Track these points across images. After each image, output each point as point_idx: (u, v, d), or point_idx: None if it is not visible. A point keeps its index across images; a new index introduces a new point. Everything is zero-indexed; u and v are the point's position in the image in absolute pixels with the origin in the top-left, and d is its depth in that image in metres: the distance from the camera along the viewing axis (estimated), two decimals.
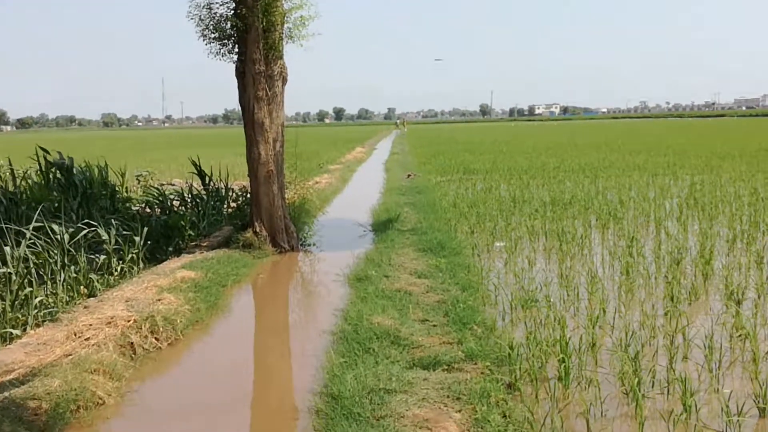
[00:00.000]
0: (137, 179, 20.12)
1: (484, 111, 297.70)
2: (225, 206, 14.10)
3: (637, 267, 8.99)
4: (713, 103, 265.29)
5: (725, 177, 20.28)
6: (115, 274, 9.05)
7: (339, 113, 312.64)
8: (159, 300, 7.02)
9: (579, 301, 7.62)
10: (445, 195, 17.09)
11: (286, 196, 12.08)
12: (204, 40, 10.37)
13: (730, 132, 57.16)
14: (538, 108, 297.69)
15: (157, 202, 12.93)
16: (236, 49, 10.37)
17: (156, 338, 6.35)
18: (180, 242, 11.65)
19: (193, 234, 12.02)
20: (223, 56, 10.48)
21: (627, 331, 6.38)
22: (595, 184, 18.89)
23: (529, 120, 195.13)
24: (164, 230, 11.40)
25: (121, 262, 9.29)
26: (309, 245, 11.79)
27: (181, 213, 12.25)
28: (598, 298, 7.49)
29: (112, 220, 10.32)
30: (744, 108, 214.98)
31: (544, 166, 25.02)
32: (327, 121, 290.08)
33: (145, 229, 9.97)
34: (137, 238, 9.64)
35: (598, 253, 10.31)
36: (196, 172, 14.95)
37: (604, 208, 14.00)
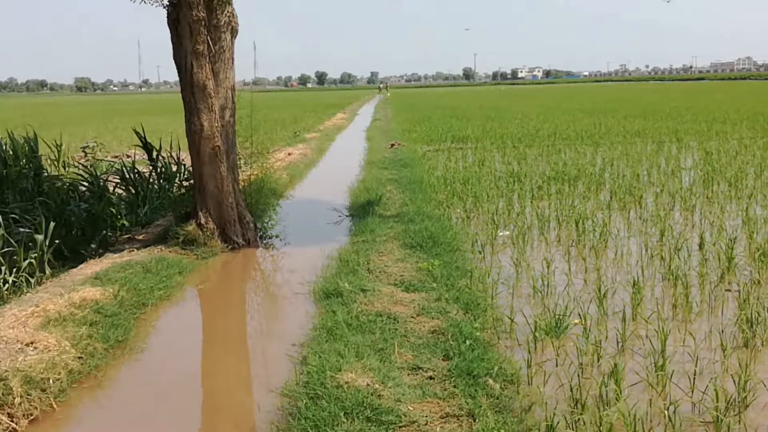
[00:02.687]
0: (83, 152, 17.72)
1: (468, 75, 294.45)
2: (175, 187, 11.86)
3: (685, 270, 6.93)
4: (690, 67, 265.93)
5: (733, 143, 18.36)
6: (4, 288, 6.83)
7: (321, 77, 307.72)
8: (30, 344, 4.81)
9: (624, 324, 5.53)
10: (434, 169, 14.93)
11: (240, 176, 9.88)
12: None
13: (717, 94, 55.48)
14: (521, 71, 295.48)
15: (87, 183, 10.65)
16: None
17: (9, 414, 4.18)
18: (111, 234, 9.46)
19: (127, 224, 9.82)
20: (152, 0, 8.18)
21: (713, 384, 4.33)
22: (598, 154, 16.83)
23: (513, 83, 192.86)
24: (89, 220, 9.19)
25: (15, 270, 7.08)
26: (270, 238, 9.56)
27: (113, 198, 10.00)
28: (652, 324, 5.44)
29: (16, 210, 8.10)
30: (720, 71, 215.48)
31: (538, 133, 22.93)
32: (309, 85, 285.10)
33: (52, 224, 7.73)
34: (39, 237, 7.42)
35: (628, 246, 8.24)
36: (141, 144, 12.66)
37: (618, 184, 11.95)
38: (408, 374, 4.75)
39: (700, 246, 7.99)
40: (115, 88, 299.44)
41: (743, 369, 4.44)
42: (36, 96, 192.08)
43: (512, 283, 6.97)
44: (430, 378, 4.68)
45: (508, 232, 9.21)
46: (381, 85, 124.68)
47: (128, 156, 17.55)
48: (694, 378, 4.56)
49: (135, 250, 8.44)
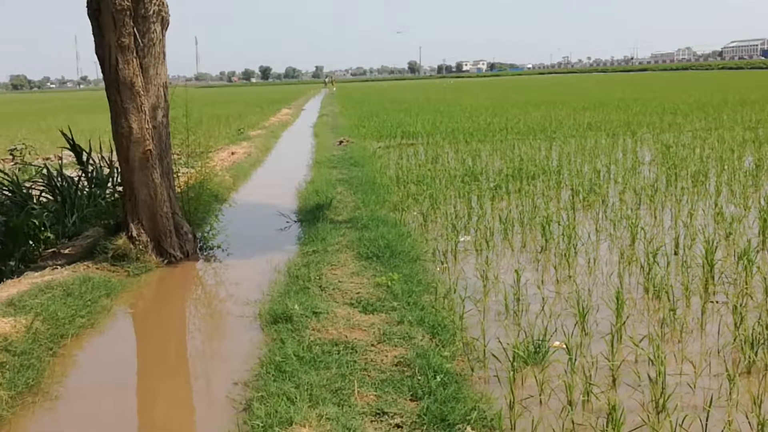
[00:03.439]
0: (11, 155, 16.49)
1: (413, 68, 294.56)
2: (108, 192, 10.88)
3: (665, 280, 6.39)
4: (632, 58, 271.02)
5: (688, 135, 18.16)
6: None
7: (265, 72, 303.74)
8: None
9: (611, 348, 4.93)
10: (386, 167, 14.24)
11: (178, 181, 9.02)
12: None
13: (662, 85, 56.23)
14: (466, 65, 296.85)
15: (8, 191, 9.63)
16: None
17: None
18: (35, 247, 8.49)
19: (52, 236, 8.84)
20: None
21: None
22: (553, 148, 16.36)
23: (458, 77, 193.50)
24: (7, 234, 8.22)
25: None
26: (211, 249, 8.71)
27: (36, 208, 9.01)
28: (642, 349, 4.85)
29: None
30: (660, 62, 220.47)
31: (489, 127, 22.43)
32: (253, 80, 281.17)
33: None
34: None
35: (599, 251, 7.70)
36: (68, 146, 11.61)
37: (579, 182, 11.44)
38: (371, 421, 4.03)
39: (675, 251, 7.48)
40: (53, 86, 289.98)
41: (756, 405, 3.86)
42: None
43: (480, 299, 6.32)
44: (398, 427, 3.98)
45: (469, 237, 8.59)
46: (327, 80, 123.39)
47: (60, 158, 16.39)
48: (706, 422, 3.94)
49: (58, 267, 7.53)
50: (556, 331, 5.33)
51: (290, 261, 7.66)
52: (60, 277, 6.99)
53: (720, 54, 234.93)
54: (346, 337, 5.24)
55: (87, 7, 7.14)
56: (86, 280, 6.78)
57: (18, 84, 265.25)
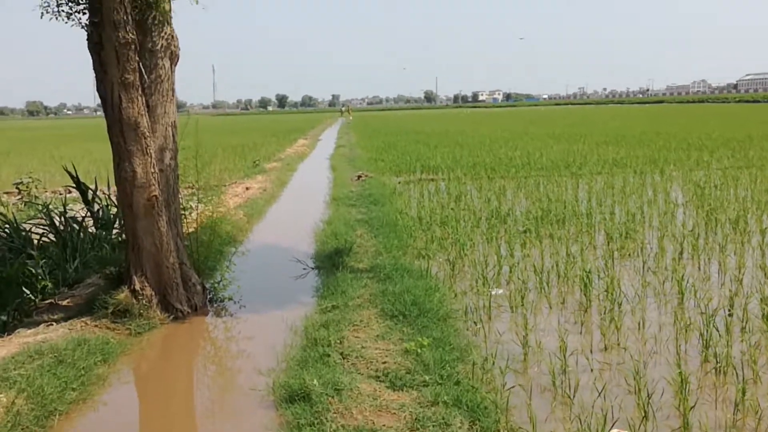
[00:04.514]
0: (17, 188, 15.95)
1: (429, 98, 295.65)
2: (114, 233, 10.27)
3: (728, 350, 5.64)
4: (647, 90, 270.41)
5: (717, 173, 17.38)
6: None
7: (282, 101, 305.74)
8: None
9: None
10: (407, 206, 13.57)
11: (188, 220, 8.39)
12: None
13: (681, 118, 55.27)
14: (482, 95, 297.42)
15: (5, 233, 9.04)
16: (86, 5, 6.52)
17: None
18: (32, 298, 7.84)
19: (50, 285, 8.19)
20: (67, 17, 6.66)
21: None
22: (580, 187, 15.64)
23: (474, 107, 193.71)
24: (1, 284, 7.61)
25: None
26: (222, 301, 8.02)
27: (34, 254, 8.37)
28: None
29: None
30: (676, 94, 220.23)
31: (511, 161, 21.72)
32: (269, 109, 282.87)
33: None
34: None
35: (648, 313, 6.95)
36: (73, 185, 11.06)
37: (614, 226, 10.71)
38: None
39: (730, 312, 6.73)
40: (69, 112, 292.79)
41: None
42: None
43: (521, 369, 5.60)
44: None
45: (501, 291, 7.87)
46: (343, 108, 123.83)
47: (65, 196, 15.88)
48: None
49: (54, 323, 6.88)
50: (614, 418, 4.59)
51: (308, 318, 6.97)
52: (54, 337, 6.33)
53: (735, 86, 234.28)
54: (374, 423, 4.53)
55: (87, 40, 6.54)
56: (81, 343, 6.10)
57: (34, 110, 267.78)
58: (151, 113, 6.93)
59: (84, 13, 6.63)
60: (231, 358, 6.60)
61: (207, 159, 9.36)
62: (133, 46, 6.48)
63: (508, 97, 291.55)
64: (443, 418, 4.59)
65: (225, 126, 69.98)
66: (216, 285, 8.15)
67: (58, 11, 6.63)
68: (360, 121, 76.06)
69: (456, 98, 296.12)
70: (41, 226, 10.14)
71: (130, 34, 6.43)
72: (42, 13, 6.62)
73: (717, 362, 5.46)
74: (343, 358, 5.72)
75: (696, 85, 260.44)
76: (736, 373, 5.21)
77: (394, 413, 4.71)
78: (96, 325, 6.74)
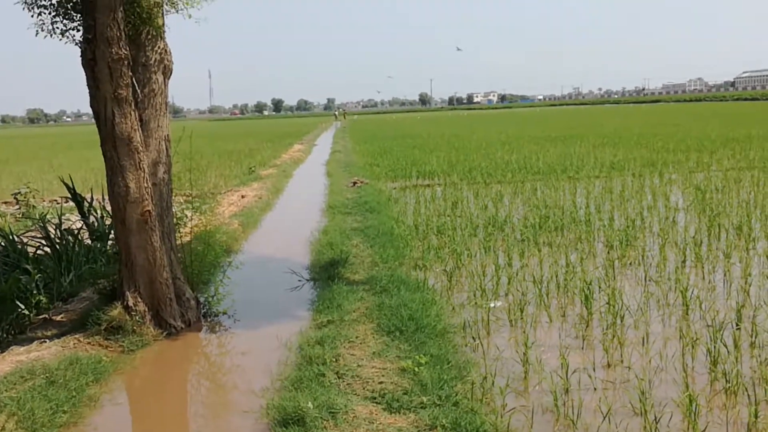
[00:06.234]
0: (15, 199, 15.84)
1: (424, 100, 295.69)
2: (109, 245, 10.15)
3: (736, 364, 5.55)
4: (643, 89, 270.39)
5: (718, 175, 17.28)
6: None
7: (278, 105, 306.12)
8: None
9: None
10: (403, 214, 13.48)
11: (181, 231, 8.27)
12: (28, 9, 6.44)
13: (678, 117, 55.20)
14: (477, 96, 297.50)
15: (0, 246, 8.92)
16: (80, 22, 6.42)
17: None
18: (27, 313, 7.72)
19: (45, 300, 8.07)
20: (62, 34, 6.56)
21: None
22: (578, 191, 15.56)
23: (469, 108, 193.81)
24: None
25: None
26: (216, 315, 7.92)
27: (29, 267, 8.25)
28: None
29: None
30: (672, 93, 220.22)
31: (507, 165, 21.60)
32: (265, 113, 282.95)
33: None
34: None
35: (652, 326, 6.84)
36: (69, 196, 10.95)
37: (614, 233, 10.61)
38: None
39: (738, 325, 6.62)
40: (69, 119, 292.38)
41: None
42: None
43: (521, 388, 5.50)
44: None
45: (500, 303, 7.77)
46: (337, 112, 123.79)
47: (67, 201, 15.80)
48: None
49: (47, 340, 6.77)
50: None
51: (302, 334, 6.86)
52: (47, 355, 6.23)
53: (732, 84, 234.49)
54: None
55: (81, 56, 6.43)
56: (74, 362, 5.99)
57: (34, 118, 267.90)
58: (145, 127, 6.84)
59: (78, 30, 6.55)
60: (224, 376, 6.48)
61: (203, 166, 9.22)
62: (126, 62, 6.37)
63: (502, 98, 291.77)
64: None
65: (221, 130, 69.97)
66: (210, 299, 8.04)
67: (53, 29, 6.54)
68: (355, 125, 75.94)
69: (451, 100, 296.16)
70: (36, 239, 10.06)
71: (123, 50, 6.32)
72: (37, 31, 6.53)
73: (727, 381, 5.34)
74: (339, 378, 5.62)
75: (692, 84, 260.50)
76: (748, 394, 5.11)
77: None
78: (89, 342, 6.64)
